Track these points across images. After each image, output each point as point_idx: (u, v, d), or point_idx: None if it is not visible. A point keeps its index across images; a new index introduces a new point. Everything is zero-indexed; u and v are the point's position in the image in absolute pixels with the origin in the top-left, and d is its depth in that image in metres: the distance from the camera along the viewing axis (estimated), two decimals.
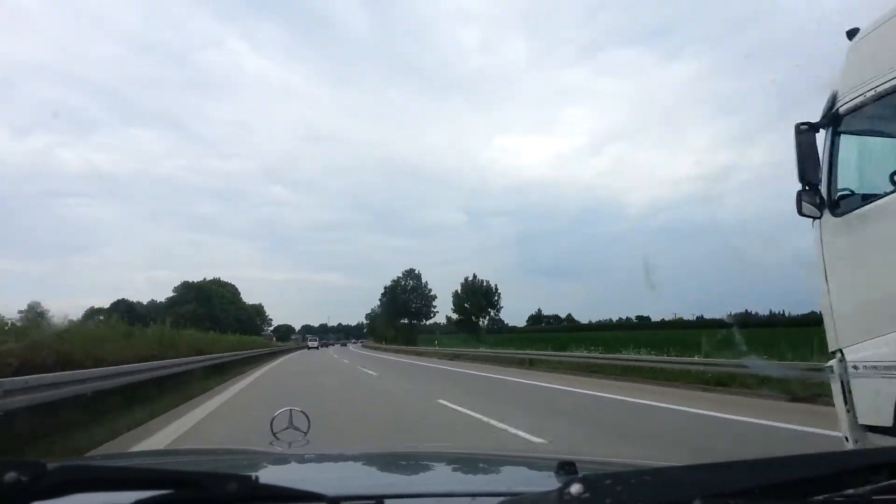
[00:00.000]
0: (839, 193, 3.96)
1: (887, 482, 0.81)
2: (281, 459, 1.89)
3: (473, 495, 1.17)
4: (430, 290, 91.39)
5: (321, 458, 1.88)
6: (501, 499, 0.99)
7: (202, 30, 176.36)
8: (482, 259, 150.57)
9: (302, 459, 1.86)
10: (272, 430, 2.12)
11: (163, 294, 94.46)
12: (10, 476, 0.72)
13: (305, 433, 2.10)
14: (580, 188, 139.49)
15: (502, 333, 77.93)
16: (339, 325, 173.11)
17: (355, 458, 1.92)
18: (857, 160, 4.14)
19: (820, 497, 0.80)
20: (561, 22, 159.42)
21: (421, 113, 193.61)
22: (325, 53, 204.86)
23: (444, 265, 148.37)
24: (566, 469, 1.23)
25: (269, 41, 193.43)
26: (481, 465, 1.89)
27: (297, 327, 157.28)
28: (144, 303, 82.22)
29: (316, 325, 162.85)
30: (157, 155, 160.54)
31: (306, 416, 2.16)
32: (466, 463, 1.92)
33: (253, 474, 0.87)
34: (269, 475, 1.31)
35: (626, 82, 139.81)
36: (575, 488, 0.72)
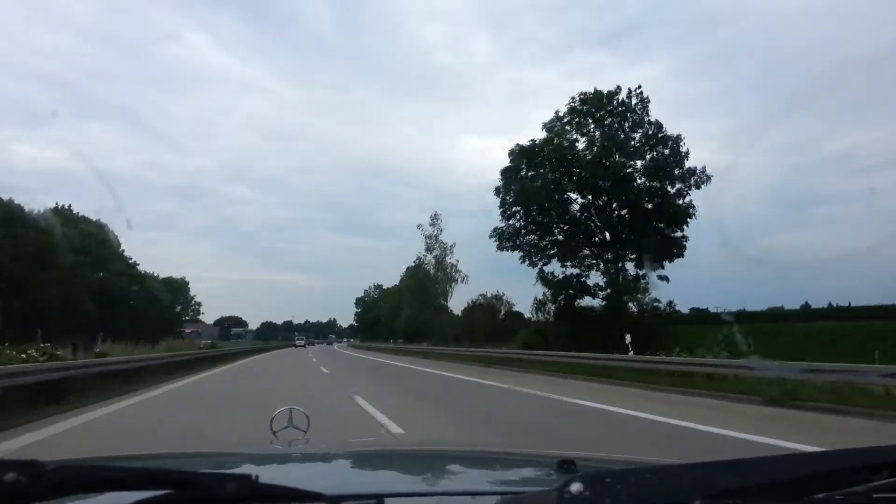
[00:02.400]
0: None
1: (887, 481, 0.80)
2: (280, 458, 1.88)
3: (473, 494, 1.17)
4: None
5: (321, 458, 1.87)
6: (501, 498, 0.99)
7: (161, 22, 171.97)
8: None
9: (301, 458, 1.85)
10: (272, 429, 2.12)
11: None
12: (10, 476, 0.72)
13: (305, 432, 2.09)
14: None
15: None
16: (307, 322, 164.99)
17: (355, 458, 1.91)
18: None
19: (820, 496, 0.80)
20: (527, 22, 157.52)
21: (386, 111, 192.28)
22: (288, 49, 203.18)
23: (410, 264, 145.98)
24: (566, 467, 1.23)
25: (230, 35, 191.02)
26: (481, 463, 1.89)
27: (256, 325, 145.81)
28: None
29: (279, 322, 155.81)
30: (114, 151, 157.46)
31: (306, 416, 2.15)
32: (466, 462, 1.92)
33: (253, 474, 0.87)
34: (268, 474, 1.31)
35: (593, 84, 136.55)
36: (575, 487, 0.72)
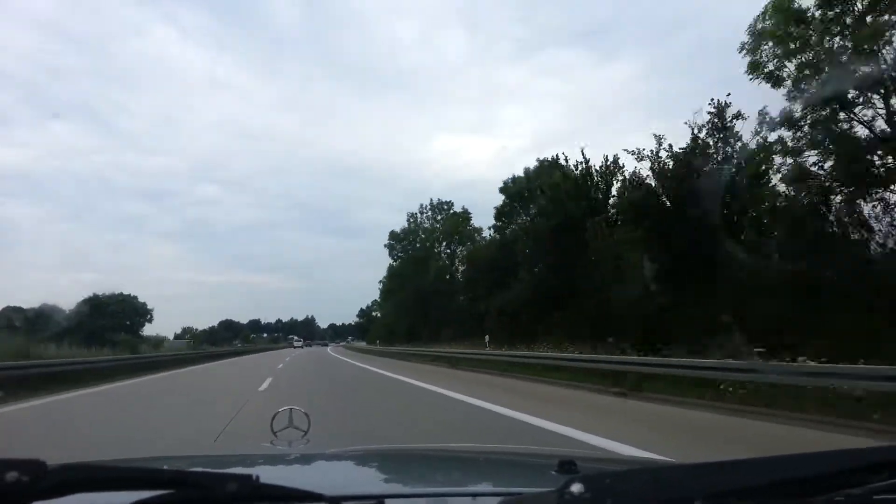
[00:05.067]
0: None
1: (888, 481, 0.80)
2: (281, 459, 1.88)
3: (473, 495, 1.17)
4: None
5: (321, 458, 1.87)
6: (501, 498, 0.99)
7: (123, 16, 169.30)
8: None
9: (302, 459, 1.86)
10: (272, 430, 2.12)
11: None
12: (11, 476, 0.72)
13: (305, 432, 2.10)
14: None
15: None
16: (279, 321, 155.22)
17: (355, 458, 1.91)
18: None
19: (821, 497, 0.80)
20: (500, 19, 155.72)
21: (357, 109, 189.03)
22: (256, 46, 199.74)
23: (384, 266, 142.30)
24: (566, 468, 1.23)
25: (196, 31, 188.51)
26: (481, 464, 1.89)
27: (214, 324, 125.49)
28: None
29: (244, 321, 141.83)
30: (78, 151, 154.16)
31: (306, 416, 2.16)
32: (466, 462, 1.92)
33: (253, 474, 0.87)
34: (269, 475, 1.31)
35: (566, 82, 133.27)
36: (575, 487, 0.72)
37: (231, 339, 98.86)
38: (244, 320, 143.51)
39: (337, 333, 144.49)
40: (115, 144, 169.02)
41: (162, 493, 0.85)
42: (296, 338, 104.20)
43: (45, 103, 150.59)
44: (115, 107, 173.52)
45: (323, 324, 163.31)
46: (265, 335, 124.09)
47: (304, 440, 2.05)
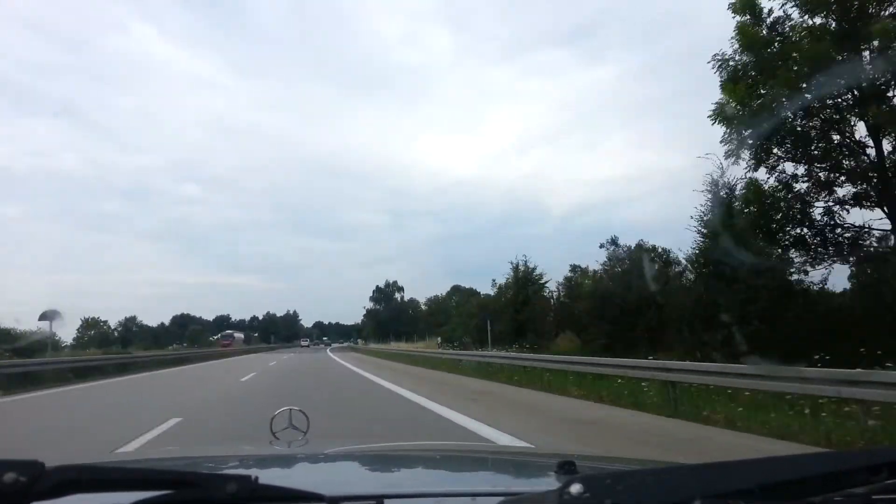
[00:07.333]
0: None
1: (887, 482, 0.81)
2: (280, 459, 1.88)
3: (473, 495, 1.17)
4: None
5: (321, 458, 1.87)
6: (501, 499, 0.99)
7: (104, 12, 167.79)
8: (405, 260, 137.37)
9: (301, 459, 1.86)
10: (272, 430, 2.12)
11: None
12: (9, 476, 0.72)
13: (305, 433, 2.10)
14: (505, 190, 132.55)
15: None
16: (254, 318, 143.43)
17: (355, 458, 1.91)
18: None
19: (819, 497, 0.80)
20: (485, 20, 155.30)
21: (341, 109, 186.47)
22: (239, 43, 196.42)
23: (366, 266, 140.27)
24: (566, 469, 1.23)
25: (178, 27, 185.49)
26: (481, 464, 1.89)
27: (167, 321, 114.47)
28: None
29: (210, 318, 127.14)
30: (55, 148, 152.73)
31: (305, 416, 2.16)
32: (466, 462, 1.92)
33: (252, 474, 0.87)
34: (268, 475, 1.31)
35: (551, 84, 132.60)
36: (575, 488, 0.72)
37: (179, 338, 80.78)
38: (210, 316, 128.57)
39: (324, 333, 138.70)
40: (94, 142, 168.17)
41: (161, 493, 0.85)
42: (303, 338, 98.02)
43: (22, 99, 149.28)
44: (96, 104, 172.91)
45: (308, 322, 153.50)
46: (236, 332, 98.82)
47: (303, 440, 2.05)
